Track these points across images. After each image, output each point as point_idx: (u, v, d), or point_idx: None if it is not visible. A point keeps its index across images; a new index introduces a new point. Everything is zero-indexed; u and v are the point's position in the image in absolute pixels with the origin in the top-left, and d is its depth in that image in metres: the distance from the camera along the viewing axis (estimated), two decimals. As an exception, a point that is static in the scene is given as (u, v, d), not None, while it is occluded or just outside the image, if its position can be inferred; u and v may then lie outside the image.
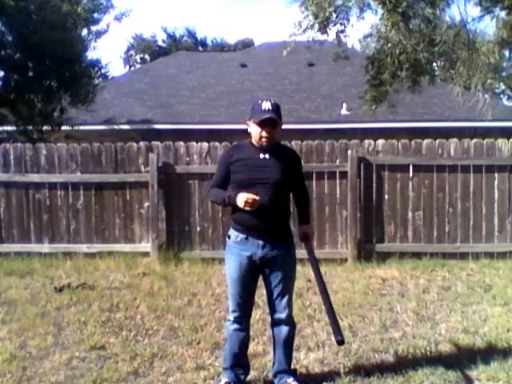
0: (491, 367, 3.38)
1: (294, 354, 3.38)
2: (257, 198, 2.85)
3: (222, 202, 3.06)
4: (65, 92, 11.28)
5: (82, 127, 12.06)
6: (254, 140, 3.05)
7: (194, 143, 6.82)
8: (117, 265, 6.36)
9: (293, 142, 6.63)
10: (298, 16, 7.55)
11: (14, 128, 11.25)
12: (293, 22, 7.50)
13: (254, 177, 2.97)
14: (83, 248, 6.76)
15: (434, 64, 9.71)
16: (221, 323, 4.14)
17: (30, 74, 11.02)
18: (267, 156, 3.02)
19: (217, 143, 6.74)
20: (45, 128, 11.25)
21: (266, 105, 2.98)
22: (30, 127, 11.11)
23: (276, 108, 3.00)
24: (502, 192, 6.63)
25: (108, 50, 41.90)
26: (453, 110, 12.47)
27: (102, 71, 12.26)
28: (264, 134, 2.98)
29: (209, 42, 36.55)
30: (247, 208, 2.87)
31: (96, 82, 12.22)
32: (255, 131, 3.01)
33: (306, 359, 3.62)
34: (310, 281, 5.65)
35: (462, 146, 6.67)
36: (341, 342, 2.74)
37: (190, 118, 13.42)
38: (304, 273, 5.82)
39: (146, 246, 6.72)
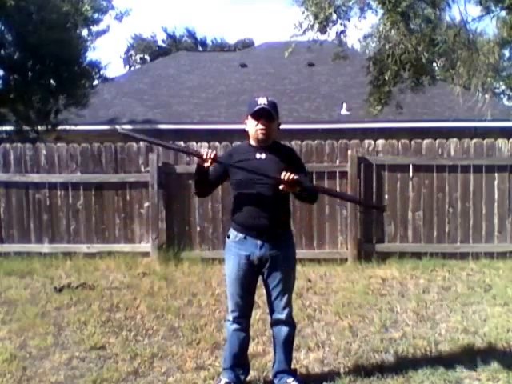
0: (491, 367, 3.38)
1: (294, 354, 3.38)
2: (214, 154, 2.93)
3: (196, 172, 3.14)
4: (62, 93, 11.26)
5: (81, 127, 12.06)
6: (251, 136, 3.06)
7: (194, 143, 6.81)
8: (117, 265, 6.36)
9: (293, 142, 6.63)
10: (298, 17, 7.57)
11: (12, 128, 11.24)
12: (293, 23, 7.52)
13: (252, 177, 2.96)
14: (83, 248, 6.76)
15: (434, 64, 9.72)
16: (221, 323, 4.14)
17: (29, 73, 11.02)
18: (263, 156, 3.02)
19: (217, 143, 6.74)
20: (41, 128, 11.23)
21: (262, 100, 3.00)
22: (27, 127, 11.10)
23: (272, 104, 3.01)
24: (502, 192, 6.63)
25: (108, 50, 41.97)
26: (453, 110, 12.48)
27: (101, 72, 12.24)
28: (260, 126, 2.98)
29: (209, 42, 36.55)
30: (203, 163, 2.97)
31: (94, 83, 12.20)
32: (251, 125, 3.03)
33: (306, 359, 3.62)
34: (310, 281, 5.67)
35: (461, 146, 6.67)
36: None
37: (190, 118, 13.43)
38: (304, 273, 5.85)
39: (146, 245, 6.72)
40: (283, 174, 2.82)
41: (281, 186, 2.84)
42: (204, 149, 2.91)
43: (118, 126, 12.70)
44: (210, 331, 4.14)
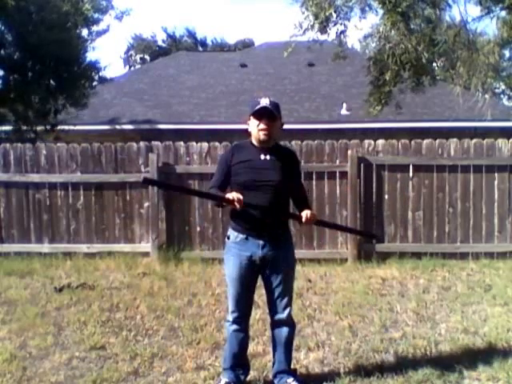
0: (491, 367, 3.39)
1: (294, 354, 3.38)
2: (241, 197, 2.86)
3: (216, 199, 3.09)
4: (61, 93, 11.26)
5: (81, 127, 12.05)
6: (254, 137, 3.06)
7: (194, 143, 6.82)
8: (117, 265, 6.36)
9: (293, 142, 6.63)
10: (298, 16, 7.60)
11: (11, 128, 11.22)
12: (293, 23, 7.54)
13: (256, 178, 2.97)
14: (83, 248, 6.76)
15: (434, 64, 9.72)
16: (221, 323, 4.14)
17: (29, 73, 11.01)
18: (268, 157, 3.03)
19: (217, 143, 6.74)
20: (40, 128, 11.22)
21: (264, 100, 3.00)
22: (25, 127, 11.08)
23: (274, 104, 3.02)
24: (502, 192, 6.63)
25: (108, 50, 41.95)
26: (453, 110, 12.47)
27: (100, 74, 12.22)
28: (262, 126, 2.98)
29: (209, 42, 36.55)
30: (232, 206, 2.89)
31: (93, 84, 12.17)
32: (253, 125, 3.02)
33: (306, 359, 3.62)
34: (310, 281, 5.67)
35: (461, 146, 6.67)
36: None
37: (190, 118, 13.42)
38: (304, 273, 5.85)
39: (146, 245, 6.72)
40: (304, 213, 3.01)
41: (303, 219, 3.01)
42: (230, 195, 2.90)
43: (118, 126, 12.71)
44: (210, 331, 4.14)
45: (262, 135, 3.00)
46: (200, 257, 6.54)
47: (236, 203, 2.85)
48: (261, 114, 2.98)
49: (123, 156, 6.82)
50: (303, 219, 3.00)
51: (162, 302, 4.92)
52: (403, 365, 3.46)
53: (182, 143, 6.84)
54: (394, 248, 6.61)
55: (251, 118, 3.03)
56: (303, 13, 7.54)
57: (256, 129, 3.01)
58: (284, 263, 3.07)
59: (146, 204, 6.77)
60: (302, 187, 3.26)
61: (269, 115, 2.98)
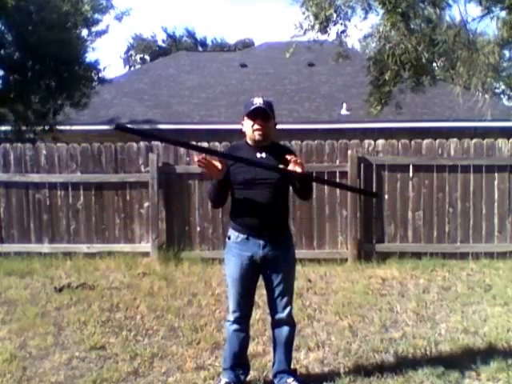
0: (491, 367, 3.38)
1: (294, 354, 3.38)
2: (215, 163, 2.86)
3: (212, 185, 3.07)
4: (61, 93, 11.25)
5: (81, 127, 12.06)
6: (248, 137, 3.07)
7: (194, 143, 6.80)
8: (117, 265, 6.36)
9: (293, 142, 6.62)
10: (298, 17, 7.58)
11: (10, 128, 11.22)
12: (294, 23, 7.53)
13: (254, 177, 2.97)
14: (83, 248, 6.76)
15: (434, 64, 9.71)
16: (221, 323, 4.14)
17: (29, 73, 11.01)
18: (264, 155, 3.03)
19: (217, 143, 6.73)
20: (39, 128, 11.22)
21: (258, 100, 3.01)
22: (24, 127, 11.08)
23: (267, 104, 3.03)
24: (502, 192, 6.63)
25: (108, 50, 41.94)
26: (453, 110, 12.47)
27: (100, 74, 12.21)
28: (256, 126, 2.99)
29: (209, 42, 36.57)
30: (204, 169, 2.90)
31: (93, 84, 12.17)
32: (248, 126, 3.03)
33: (306, 359, 3.62)
34: (310, 281, 5.67)
35: (461, 146, 6.67)
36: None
37: (190, 118, 13.42)
38: (304, 273, 5.85)
39: (146, 245, 6.73)
40: (291, 165, 2.88)
41: (298, 169, 2.88)
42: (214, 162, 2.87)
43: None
44: (210, 331, 4.14)
45: (257, 135, 3.01)
46: (200, 257, 6.54)
47: (217, 164, 2.86)
48: (255, 114, 2.99)
49: (123, 156, 6.83)
50: (292, 167, 2.88)
51: (162, 302, 4.92)
52: (403, 365, 3.46)
53: (182, 143, 6.83)
54: (393, 248, 6.61)
55: (245, 118, 3.04)
56: (303, 13, 7.54)
57: (251, 129, 3.02)
58: (284, 263, 3.07)
59: (145, 204, 6.78)
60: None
61: (263, 115, 2.99)
